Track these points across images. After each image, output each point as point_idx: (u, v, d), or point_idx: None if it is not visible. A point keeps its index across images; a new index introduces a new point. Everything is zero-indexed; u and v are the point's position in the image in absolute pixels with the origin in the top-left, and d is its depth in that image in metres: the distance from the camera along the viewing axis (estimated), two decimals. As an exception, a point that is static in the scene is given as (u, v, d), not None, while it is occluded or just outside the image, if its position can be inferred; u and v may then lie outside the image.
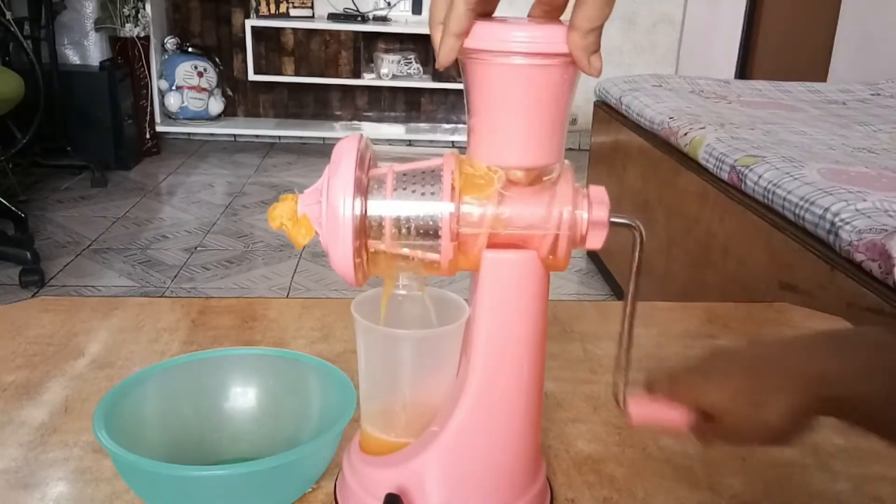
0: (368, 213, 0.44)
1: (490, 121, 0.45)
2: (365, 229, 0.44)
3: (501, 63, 0.42)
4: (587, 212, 0.45)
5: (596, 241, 0.46)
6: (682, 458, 0.61)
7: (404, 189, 0.44)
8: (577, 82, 0.44)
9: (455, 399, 0.48)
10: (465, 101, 0.46)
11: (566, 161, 0.46)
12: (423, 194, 0.44)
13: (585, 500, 0.55)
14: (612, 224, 0.46)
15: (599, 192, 0.46)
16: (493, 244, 0.45)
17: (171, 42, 3.94)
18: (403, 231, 0.44)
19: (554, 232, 0.45)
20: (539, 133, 0.44)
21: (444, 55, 0.42)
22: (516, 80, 0.43)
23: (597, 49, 0.41)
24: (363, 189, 0.44)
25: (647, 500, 0.56)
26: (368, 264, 0.45)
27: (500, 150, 0.45)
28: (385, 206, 0.44)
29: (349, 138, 0.45)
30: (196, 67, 3.95)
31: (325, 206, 0.44)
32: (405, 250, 0.45)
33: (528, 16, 0.45)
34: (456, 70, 0.45)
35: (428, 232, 0.44)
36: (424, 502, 0.49)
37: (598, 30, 0.41)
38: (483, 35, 0.42)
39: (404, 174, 0.45)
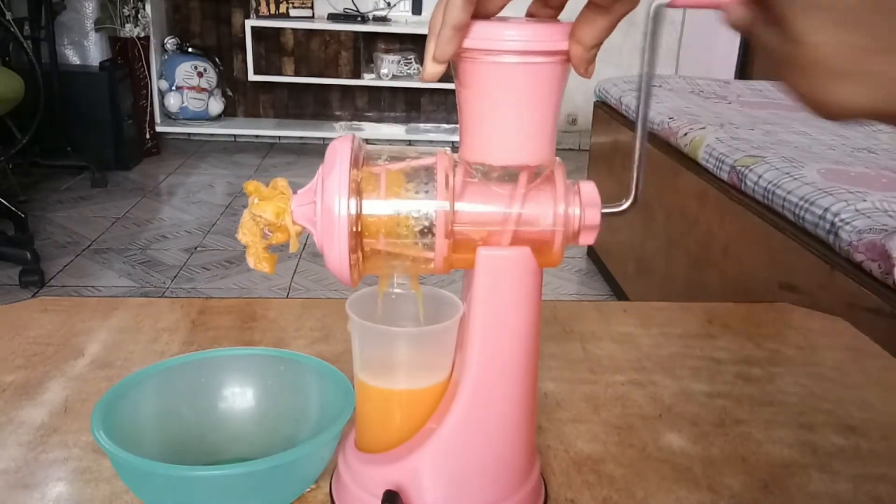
0: (363, 213, 0.44)
1: (481, 119, 0.45)
2: (360, 228, 0.44)
3: (492, 62, 0.42)
4: (579, 208, 0.46)
5: (589, 237, 0.46)
6: (682, 458, 0.61)
7: (398, 188, 0.44)
8: (568, 80, 0.44)
9: (451, 396, 0.49)
10: (456, 99, 0.46)
11: (557, 158, 0.47)
12: (416, 192, 0.44)
13: (585, 499, 0.55)
14: (605, 215, 0.46)
15: (590, 188, 0.47)
16: (487, 241, 0.46)
17: (171, 42, 3.95)
18: (398, 229, 0.44)
19: (548, 228, 0.45)
20: (530, 131, 0.45)
21: (441, 48, 0.41)
22: (507, 78, 0.43)
23: (595, 59, 0.42)
24: (357, 188, 0.44)
25: (646, 500, 0.56)
26: (364, 263, 0.45)
27: (492, 149, 0.45)
28: (379, 206, 0.44)
29: (342, 139, 0.45)
30: (196, 67, 3.95)
31: (320, 206, 0.44)
32: (400, 249, 0.45)
33: (527, 14, 0.45)
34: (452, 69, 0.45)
35: (422, 230, 0.44)
36: (420, 499, 0.49)
37: (601, 44, 0.41)
38: (474, 33, 0.42)
39: (398, 173, 0.45)
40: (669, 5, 0.40)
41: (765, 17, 0.34)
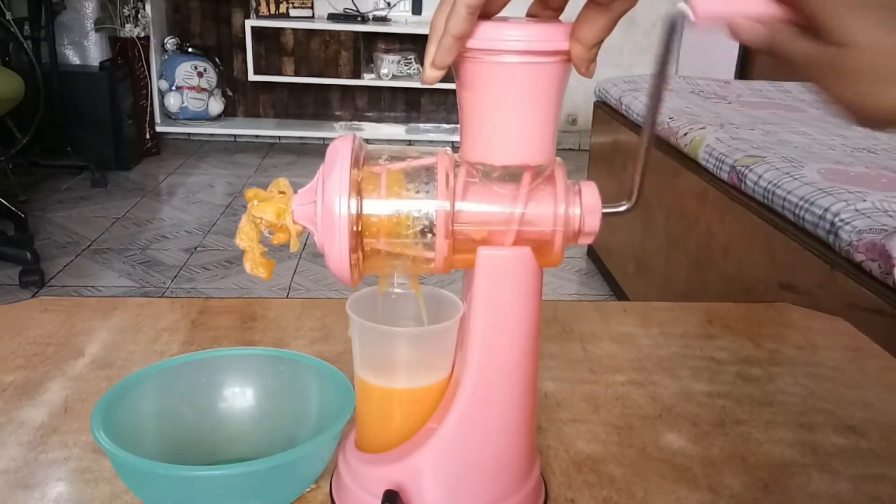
0: (363, 212, 0.44)
1: (482, 119, 0.45)
2: (360, 228, 0.44)
3: (493, 61, 0.42)
4: (580, 208, 0.46)
5: (589, 237, 0.46)
6: (682, 458, 0.61)
7: (399, 187, 0.44)
8: (568, 80, 0.44)
9: (451, 395, 0.49)
10: (456, 99, 0.46)
11: (557, 158, 0.47)
12: (417, 192, 0.44)
13: (585, 499, 0.55)
14: (605, 215, 0.46)
15: (590, 188, 0.47)
16: (487, 241, 0.46)
17: (171, 42, 3.95)
18: (398, 229, 0.44)
19: (549, 228, 0.45)
20: (531, 131, 0.45)
21: (441, 55, 0.41)
22: (508, 78, 0.43)
23: (596, 58, 0.42)
24: (358, 188, 0.44)
25: (646, 500, 0.56)
26: (364, 263, 0.46)
27: (493, 149, 0.45)
28: (380, 205, 0.44)
29: (343, 138, 0.45)
30: (196, 67, 3.95)
31: (321, 206, 0.44)
32: (400, 248, 0.45)
33: (527, 14, 0.45)
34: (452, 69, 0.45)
35: (423, 230, 0.44)
36: (420, 499, 0.49)
37: (601, 43, 0.41)
38: (475, 33, 0.42)
39: (398, 173, 0.45)
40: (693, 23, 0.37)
41: (796, 25, 0.33)
